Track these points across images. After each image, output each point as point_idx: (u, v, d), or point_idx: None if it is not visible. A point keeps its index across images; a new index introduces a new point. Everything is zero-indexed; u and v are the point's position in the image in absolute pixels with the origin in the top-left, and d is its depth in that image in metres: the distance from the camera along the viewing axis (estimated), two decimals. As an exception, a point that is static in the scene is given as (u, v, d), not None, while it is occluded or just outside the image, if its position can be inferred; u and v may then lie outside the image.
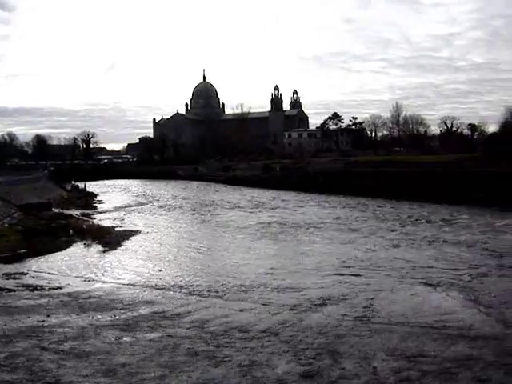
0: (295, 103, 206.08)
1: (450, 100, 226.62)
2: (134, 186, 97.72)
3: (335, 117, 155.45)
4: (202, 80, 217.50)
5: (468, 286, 19.03)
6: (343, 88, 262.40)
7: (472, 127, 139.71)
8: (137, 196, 73.16)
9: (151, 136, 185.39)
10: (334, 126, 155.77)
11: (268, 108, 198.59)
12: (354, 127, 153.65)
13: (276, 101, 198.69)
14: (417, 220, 39.17)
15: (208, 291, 19.03)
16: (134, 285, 20.40)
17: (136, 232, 34.87)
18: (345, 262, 23.78)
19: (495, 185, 51.87)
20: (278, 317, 15.58)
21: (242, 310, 16.48)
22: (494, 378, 11.00)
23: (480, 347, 12.76)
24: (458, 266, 22.46)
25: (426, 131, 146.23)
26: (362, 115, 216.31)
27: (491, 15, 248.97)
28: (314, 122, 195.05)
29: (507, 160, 59.17)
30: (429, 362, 11.79)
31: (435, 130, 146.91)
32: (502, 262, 23.22)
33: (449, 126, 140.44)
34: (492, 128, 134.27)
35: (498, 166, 56.62)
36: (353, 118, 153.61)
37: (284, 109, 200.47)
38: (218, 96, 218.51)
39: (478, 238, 30.10)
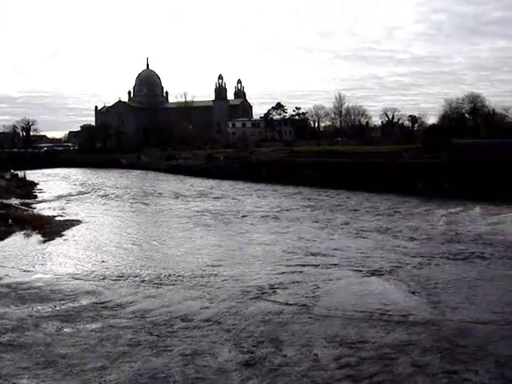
0: (239, 93, 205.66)
1: (392, 92, 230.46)
2: (76, 174, 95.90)
3: (279, 107, 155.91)
4: (145, 67, 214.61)
5: (407, 273, 19.50)
6: (288, 78, 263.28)
7: (412, 119, 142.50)
8: (78, 185, 71.85)
9: (93, 124, 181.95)
10: (278, 116, 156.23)
11: (212, 97, 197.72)
12: (297, 117, 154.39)
13: (220, 90, 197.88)
14: (358, 210, 39.81)
15: (150, 281, 18.94)
16: (75, 275, 20.11)
17: (77, 222, 34.33)
18: (287, 251, 23.97)
19: (434, 175, 53.25)
20: (221, 306, 15.66)
21: (184, 300, 16.49)
22: (431, 363, 11.33)
23: (418, 333, 13.13)
24: (398, 254, 23.02)
25: (367, 122, 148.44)
26: (306, 106, 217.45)
27: (434, 10, 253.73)
28: (259, 111, 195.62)
29: (445, 151, 60.75)
30: (368, 349, 12.07)
31: (377, 121, 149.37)
32: (439, 250, 23.93)
33: (390, 117, 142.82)
34: (432, 120, 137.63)
35: (437, 157, 58.04)
36: (296, 108, 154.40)
37: (228, 98, 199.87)
38: (162, 84, 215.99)
39: (418, 226, 30.87)
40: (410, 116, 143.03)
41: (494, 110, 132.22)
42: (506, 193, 46.04)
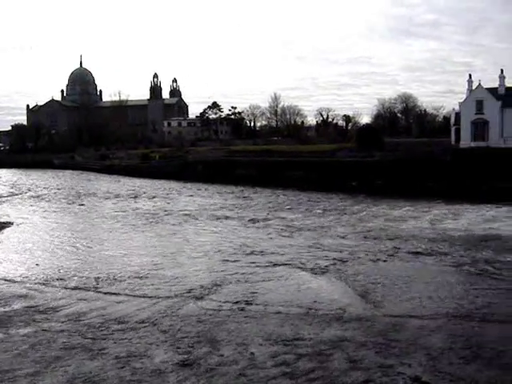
0: (175, 91, 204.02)
1: (327, 92, 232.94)
2: (6, 175, 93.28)
3: (215, 106, 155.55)
4: (78, 66, 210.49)
5: (342, 270, 19.85)
6: (224, 78, 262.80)
7: (346, 118, 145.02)
8: (9, 186, 69.86)
9: (25, 123, 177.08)
10: (214, 116, 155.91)
11: (147, 96, 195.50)
12: (233, 117, 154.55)
13: (155, 89, 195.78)
14: (293, 208, 40.23)
15: (85, 284, 18.57)
16: (7, 279, 19.52)
17: (8, 224, 33.37)
18: (222, 250, 24.00)
19: (368, 173, 54.33)
20: (157, 307, 15.52)
21: (120, 302, 16.25)
22: (366, 357, 11.52)
23: (353, 329, 13.35)
24: (333, 251, 23.39)
25: (303, 122, 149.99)
26: (242, 105, 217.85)
27: (369, 11, 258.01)
28: (195, 110, 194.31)
29: (378, 150, 62.09)
30: (304, 345, 12.19)
31: (312, 120, 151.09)
32: (373, 247, 24.47)
33: (325, 117, 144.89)
34: (366, 119, 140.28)
35: (370, 156, 59.20)
36: (232, 107, 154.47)
37: (164, 97, 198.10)
38: (96, 83, 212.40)
39: (352, 224, 31.50)
40: (345, 116, 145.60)
41: (425, 109, 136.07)
42: (434, 191, 47.51)
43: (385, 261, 21.73)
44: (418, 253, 23.16)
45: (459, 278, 18.84)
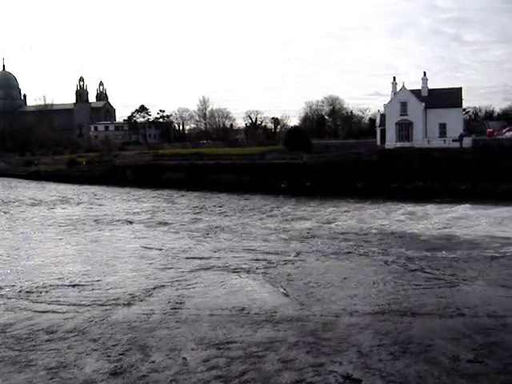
0: (101, 95, 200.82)
1: (255, 94, 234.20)
2: None
3: (143, 109, 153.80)
4: (1, 69, 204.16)
5: (273, 271, 20.00)
6: (152, 80, 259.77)
7: (275, 121, 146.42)
8: None
9: None
10: (142, 119, 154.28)
11: (73, 100, 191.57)
12: (161, 120, 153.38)
13: (81, 92, 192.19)
14: (222, 211, 40.34)
15: (12, 293, 17.94)
16: None
17: None
18: (152, 256, 23.74)
19: (297, 175, 55.00)
20: (86, 315, 15.14)
21: (48, 311, 15.74)
22: (297, 357, 11.59)
23: (284, 329, 13.41)
24: (263, 253, 23.55)
25: (232, 124, 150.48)
26: (171, 108, 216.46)
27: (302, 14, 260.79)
28: (123, 114, 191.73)
29: (306, 151, 62.96)
30: (236, 348, 12.16)
31: (241, 123, 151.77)
32: (302, 247, 24.87)
33: (253, 119, 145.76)
34: (294, 121, 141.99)
35: (298, 158, 59.97)
36: (160, 110, 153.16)
37: (90, 101, 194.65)
38: (20, 87, 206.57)
39: (281, 225, 31.79)
40: (273, 118, 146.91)
41: (351, 111, 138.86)
42: (362, 191, 48.58)
43: (314, 261, 22.04)
44: (346, 252, 23.63)
45: (387, 276, 19.26)
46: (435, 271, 19.79)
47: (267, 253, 23.63)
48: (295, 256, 22.86)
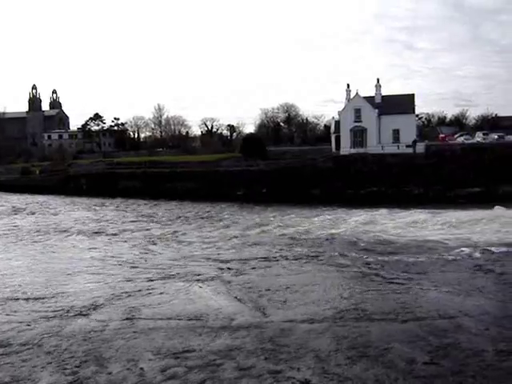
0: (55, 103, 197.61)
1: (211, 101, 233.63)
2: None
3: (97, 117, 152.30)
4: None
5: (230, 278, 19.96)
6: (107, 88, 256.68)
7: (231, 128, 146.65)
8: None
9: None
10: (96, 127, 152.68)
11: (26, 108, 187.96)
12: (116, 128, 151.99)
13: (34, 100, 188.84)
14: (177, 219, 40.16)
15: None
16: None
17: None
18: (108, 266, 23.41)
19: (253, 182, 55.08)
20: (41, 327, 14.83)
21: (1, 324, 15.39)
22: (256, 365, 11.58)
23: (242, 337, 13.38)
24: (220, 261, 23.55)
25: (187, 132, 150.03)
26: (126, 116, 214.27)
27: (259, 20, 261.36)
28: (77, 122, 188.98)
29: (262, 158, 63.19)
30: (194, 357, 12.08)
31: (197, 130, 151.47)
32: (260, 254, 24.93)
33: (209, 126, 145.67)
34: (250, 128, 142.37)
35: (254, 165, 60.10)
36: (115, 118, 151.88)
37: (43, 109, 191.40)
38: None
39: (237, 232, 31.81)
40: (229, 125, 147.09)
41: (307, 118, 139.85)
42: (318, 197, 48.96)
43: (271, 267, 22.09)
44: (303, 258, 23.78)
45: (343, 281, 19.44)
46: (390, 275, 20.07)
47: (223, 260, 23.63)
48: (252, 263, 22.89)
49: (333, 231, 31.43)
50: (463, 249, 24.76)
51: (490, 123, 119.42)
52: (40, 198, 64.40)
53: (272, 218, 38.47)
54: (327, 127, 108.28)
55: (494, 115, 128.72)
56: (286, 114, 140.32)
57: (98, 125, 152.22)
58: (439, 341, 12.74)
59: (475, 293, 17.46)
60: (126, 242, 30.25)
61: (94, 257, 25.82)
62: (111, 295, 18.07)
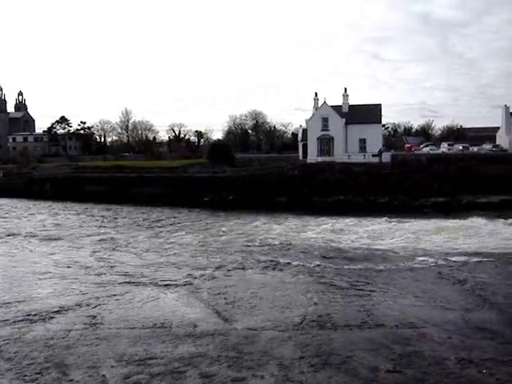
0: (21, 105, 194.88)
1: (179, 107, 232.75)
2: None
3: (63, 120, 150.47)
4: None
5: (193, 285, 19.89)
6: (74, 91, 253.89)
7: (198, 134, 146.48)
8: None
9: None
10: (62, 131, 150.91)
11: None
12: (82, 132, 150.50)
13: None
14: (143, 225, 39.93)
15: None
16: None
17: None
18: (68, 271, 23.18)
19: (220, 188, 55.02)
20: (1, 333, 14.53)
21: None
22: (219, 372, 11.51)
23: (206, 344, 13.31)
24: (185, 267, 23.48)
25: (155, 137, 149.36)
26: (92, 120, 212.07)
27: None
28: (43, 125, 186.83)
29: (229, 165, 63.20)
30: (157, 364, 11.97)
31: (164, 136, 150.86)
32: (225, 261, 24.87)
33: (177, 132, 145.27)
34: (217, 135, 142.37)
35: (222, 171, 60.06)
36: (81, 122, 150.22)
37: (8, 111, 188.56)
38: None
39: (203, 239, 31.73)
40: (197, 131, 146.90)
41: (274, 126, 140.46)
42: (284, 205, 49.12)
43: (235, 274, 22.08)
44: (267, 266, 23.84)
45: (307, 289, 19.50)
46: (354, 284, 20.20)
47: (187, 267, 23.56)
48: (216, 270, 22.88)
49: (297, 239, 31.54)
50: (426, 258, 25.12)
51: (455, 134, 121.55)
52: (3, 201, 63.34)
53: (237, 225, 38.47)
54: (295, 135, 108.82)
55: (459, 126, 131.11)
56: (254, 121, 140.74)
57: (64, 128, 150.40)
58: (402, 349, 12.83)
59: (438, 301, 17.66)
60: (87, 247, 29.88)
61: (54, 262, 25.44)
62: (73, 301, 17.82)
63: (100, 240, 32.46)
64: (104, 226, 39.22)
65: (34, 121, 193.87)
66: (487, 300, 17.65)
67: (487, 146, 72.59)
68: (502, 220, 37.02)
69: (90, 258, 26.24)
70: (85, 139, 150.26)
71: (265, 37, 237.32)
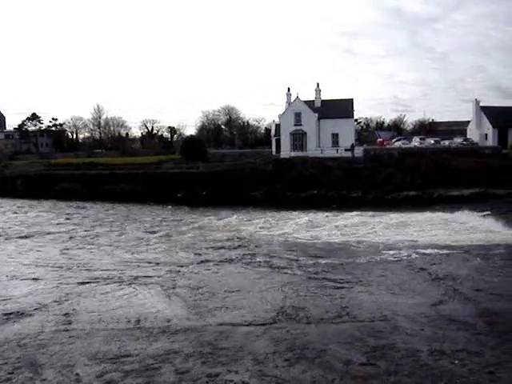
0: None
1: (151, 102, 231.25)
2: None
3: (34, 117, 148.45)
4: None
5: (169, 282, 19.82)
6: (45, 87, 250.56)
7: (171, 130, 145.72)
8: None
9: None
10: (34, 128, 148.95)
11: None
12: (54, 129, 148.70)
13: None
14: (115, 222, 39.73)
15: None
16: None
17: None
18: (40, 269, 22.91)
19: (193, 184, 54.92)
20: (-30, 333, 14.40)
21: None
22: (194, 368, 11.50)
23: (180, 340, 13.29)
24: (158, 264, 23.38)
25: (127, 133, 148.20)
26: (64, 116, 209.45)
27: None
28: (14, 122, 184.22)
29: (203, 161, 63.09)
30: (131, 362, 11.91)
31: (137, 132, 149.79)
32: (198, 257, 24.89)
33: (150, 128, 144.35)
34: (190, 131, 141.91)
35: (195, 167, 59.96)
36: (53, 119, 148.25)
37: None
38: None
39: (174, 235, 31.79)
40: (169, 127, 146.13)
41: (248, 121, 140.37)
42: (258, 200, 49.19)
43: (209, 270, 22.09)
44: (241, 261, 23.86)
45: (281, 283, 19.55)
46: (328, 277, 20.34)
47: (160, 263, 23.51)
48: (190, 266, 22.82)
49: (271, 234, 31.62)
50: (398, 251, 25.40)
51: (426, 128, 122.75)
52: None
53: (210, 221, 38.43)
54: (268, 130, 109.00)
55: (430, 120, 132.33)
56: (227, 117, 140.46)
57: (36, 125, 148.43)
58: (375, 342, 12.95)
59: (410, 294, 17.86)
60: (57, 245, 29.49)
61: (24, 261, 25.10)
62: (45, 300, 17.63)
63: (70, 238, 32.08)
64: (74, 224, 38.80)
65: (4, 118, 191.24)
66: (458, 292, 17.89)
67: (458, 140, 73.61)
68: (473, 212, 37.48)
69: (60, 257, 25.95)
70: (56, 136, 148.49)
71: (238, 34, 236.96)
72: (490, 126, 70.23)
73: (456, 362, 11.63)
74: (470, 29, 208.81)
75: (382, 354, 12.19)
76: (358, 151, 60.20)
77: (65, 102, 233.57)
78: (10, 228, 37.40)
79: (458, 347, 12.48)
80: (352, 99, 72.18)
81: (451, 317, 15.04)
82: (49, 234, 34.09)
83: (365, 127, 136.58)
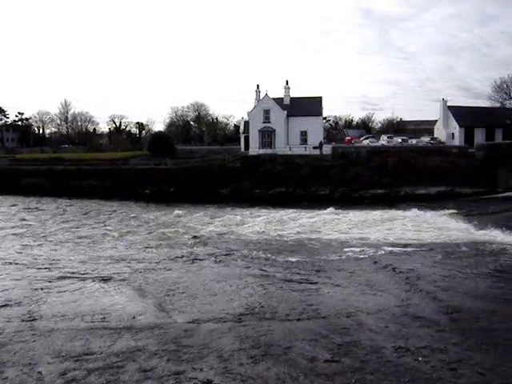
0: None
1: (119, 98, 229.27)
2: None
3: (0, 111, 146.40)
4: None
5: (133, 279, 19.68)
6: (11, 80, 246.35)
7: (140, 126, 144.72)
8: None
9: None
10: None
11: None
12: (20, 123, 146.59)
13: None
14: (80, 218, 39.33)
15: None
16: None
17: None
18: (3, 265, 22.59)
19: (161, 181, 54.64)
20: None
21: None
22: (158, 366, 11.46)
23: (145, 338, 13.21)
24: (123, 261, 23.25)
25: (95, 129, 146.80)
26: (30, 111, 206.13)
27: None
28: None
29: (171, 157, 62.80)
30: (95, 360, 11.81)
31: (104, 127, 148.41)
32: (160, 254, 24.83)
33: (117, 124, 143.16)
34: (159, 127, 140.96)
35: (163, 163, 59.61)
36: (19, 113, 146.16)
37: None
38: None
39: (140, 232, 31.54)
40: (138, 123, 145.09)
41: (217, 118, 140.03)
42: (226, 197, 49.15)
43: (174, 267, 22.02)
44: (206, 259, 23.85)
45: (247, 281, 19.56)
46: (293, 275, 20.42)
47: (125, 260, 23.37)
48: (155, 263, 22.73)
49: (237, 231, 31.60)
50: (364, 248, 25.58)
51: (394, 127, 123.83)
52: None
53: (176, 218, 38.26)
54: (237, 127, 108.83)
55: (398, 119, 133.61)
56: (197, 113, 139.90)
57: (1, 119, 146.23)
58: (340, 339, 13.03)
59: (375, 291, 18.01)
60: (18, 242, 28.93)
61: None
62: (7, 298, 17.36)
63: (32, 234, 31.54)
64: (38, 221, 38.14)
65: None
66: (423, 289, 18.08)
67: (425, 139, 74.38)
68: (439, 211, 37.92)
69: (22, 253, 25.52)
70: (22, 131, 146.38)
71: (208, 30, 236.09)
72: (457, 126, 71.04)
73: (420, 358, 11.76)
74: (439, 29, 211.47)
75: (346, 350, 12.27)
76: (327, 149, 60.39)
77: (31, 96, 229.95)
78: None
79: (421, 344, 12.62)
80: (321, 97, 72.41)
81: (415, 314, 15.21)
82: (13, 230, 33.49)
83: (334, 125, 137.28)
